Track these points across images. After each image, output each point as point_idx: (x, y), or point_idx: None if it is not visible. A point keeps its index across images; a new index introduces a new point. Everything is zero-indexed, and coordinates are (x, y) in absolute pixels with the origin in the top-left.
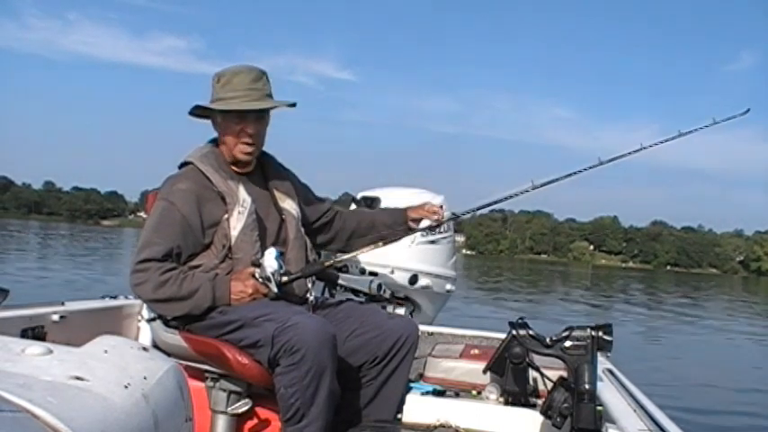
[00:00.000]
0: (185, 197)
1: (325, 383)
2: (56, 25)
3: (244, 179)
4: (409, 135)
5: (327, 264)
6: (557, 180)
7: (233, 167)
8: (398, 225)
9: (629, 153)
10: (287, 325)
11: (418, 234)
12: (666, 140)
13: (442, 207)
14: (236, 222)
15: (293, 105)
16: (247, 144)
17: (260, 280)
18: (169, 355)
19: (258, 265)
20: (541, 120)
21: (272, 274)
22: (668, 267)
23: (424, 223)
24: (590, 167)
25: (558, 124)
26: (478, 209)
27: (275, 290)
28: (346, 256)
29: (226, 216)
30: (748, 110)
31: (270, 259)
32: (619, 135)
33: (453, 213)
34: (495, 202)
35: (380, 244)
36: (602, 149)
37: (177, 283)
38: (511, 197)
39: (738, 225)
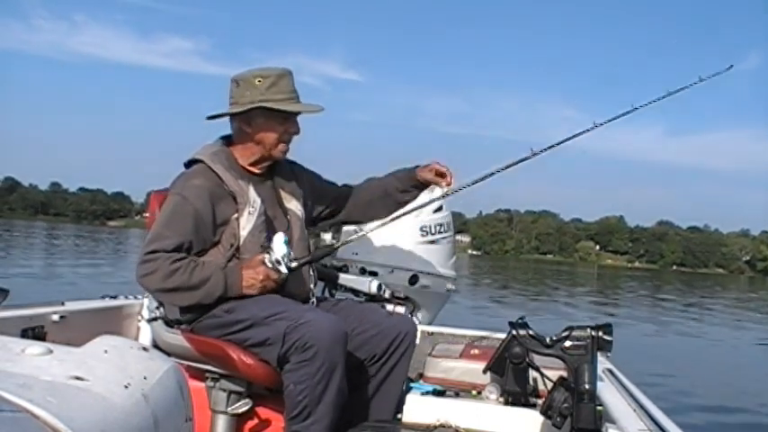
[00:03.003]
0: (199, 193)
1: (335, 381)
2: (63, 27)
3: (254, 179)
4: (415, 135)
5: (336, 246)
6: (556, 144)
7: (248, 168)
8: (410, 188)
9: (624, 114)
10: (300, 322)
11: (419, 234)
12: (655, 101)
13: (449, 174)
14: (246, 223)
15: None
16: (287, 143)
17: (270, 265)
18: (170, 355)
19: (268, 248)
20: (549, 120)
21: (282, 258)
22: (674, 267)
23: (437, 192)
24: (586, 131)
25: (565, 124)
26: (477, 181)
27: (285, 271)
28: (355, 237)
29: (236, 216)
30: (731, 66)
31: (279, 243)
32: (627, 135)
33: (451, 191)
34: (494, 174)
35: (394, 215)
36: (611, 149)
37: (188, 272)
38: (510, 166)
39: (745, 225)
